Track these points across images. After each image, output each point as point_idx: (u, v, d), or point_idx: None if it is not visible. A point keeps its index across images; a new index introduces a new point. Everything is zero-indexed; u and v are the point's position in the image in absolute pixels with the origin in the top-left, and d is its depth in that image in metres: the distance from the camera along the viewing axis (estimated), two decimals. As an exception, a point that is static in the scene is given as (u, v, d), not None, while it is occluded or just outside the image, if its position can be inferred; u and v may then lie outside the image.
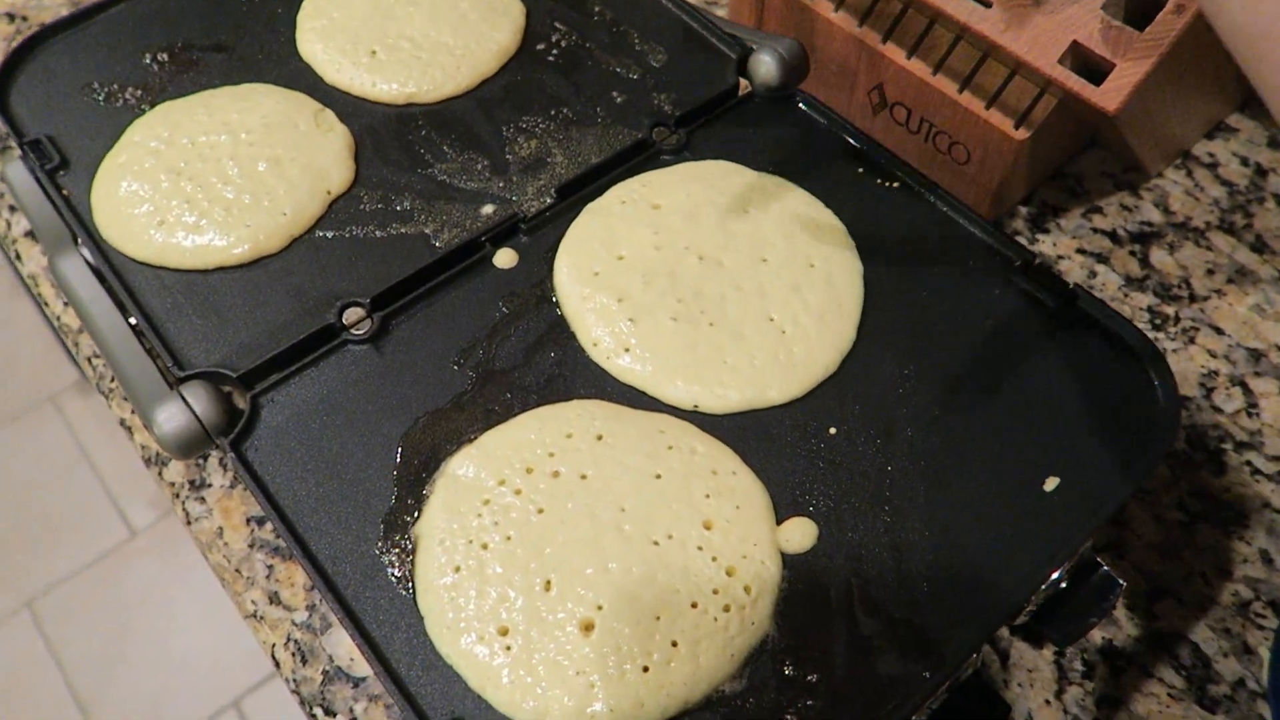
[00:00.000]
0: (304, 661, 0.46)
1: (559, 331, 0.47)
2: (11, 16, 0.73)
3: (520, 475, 0.42)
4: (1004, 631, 0.46)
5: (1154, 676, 0.46)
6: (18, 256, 0.62)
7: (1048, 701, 0.45)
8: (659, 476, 0.41)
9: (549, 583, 0.39)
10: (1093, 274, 0.60)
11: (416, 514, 0.41)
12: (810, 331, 0.46)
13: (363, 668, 0.45)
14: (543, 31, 0.60)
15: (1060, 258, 0.61)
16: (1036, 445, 0.43)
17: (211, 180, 0.51)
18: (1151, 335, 0.56)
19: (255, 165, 0.52)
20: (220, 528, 0.50)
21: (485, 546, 0.40)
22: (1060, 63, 0.51)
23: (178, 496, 0.51)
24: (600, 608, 0.38)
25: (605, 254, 0.49)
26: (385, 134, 0.55)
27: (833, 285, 0.48)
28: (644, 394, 0.45)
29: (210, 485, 0.51)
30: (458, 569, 0.39)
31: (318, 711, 0.45)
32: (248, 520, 0.50)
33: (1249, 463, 0.52)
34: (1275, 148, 0.65)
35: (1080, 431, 0.43)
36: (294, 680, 0.45)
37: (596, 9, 0.60)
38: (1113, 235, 0.61)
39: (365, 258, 0.49)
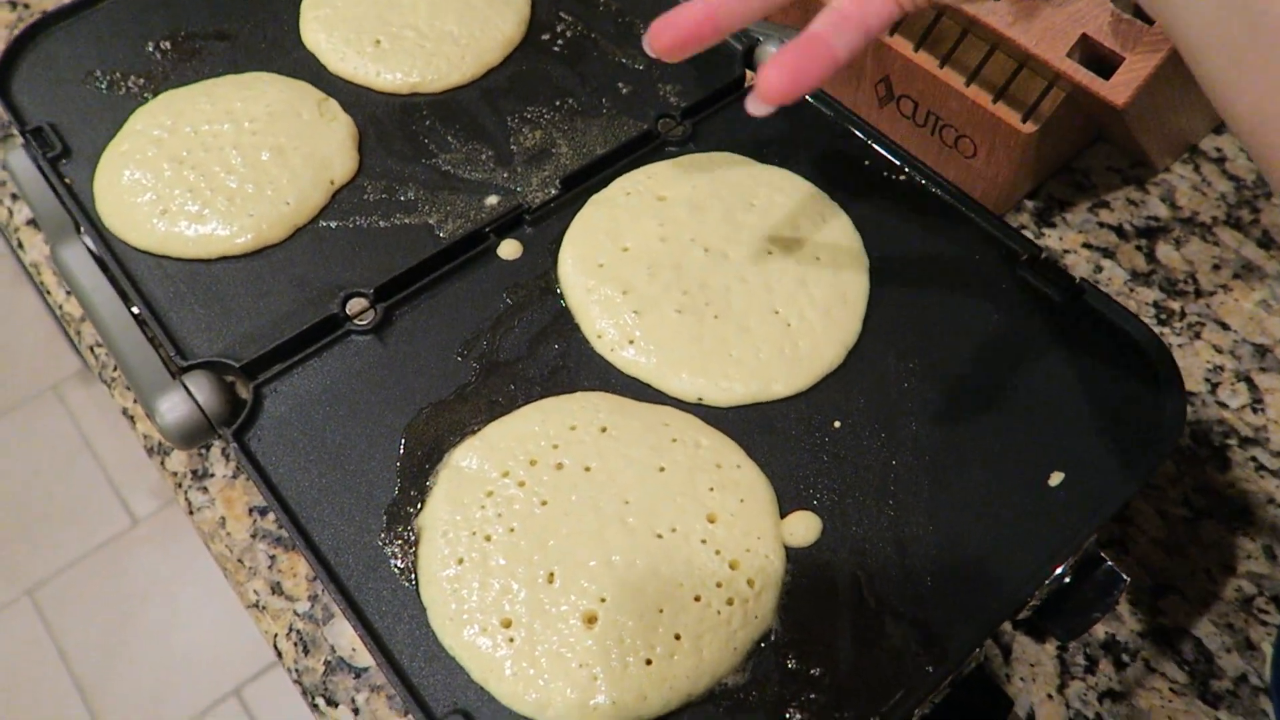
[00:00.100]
0: (306, 652, 0.46)
1: (563, 323, 0.47)
2: (14, 4, 0.73)
3: (524, 467, 0.41)
4: (1007, 626, 0.46)
5: (1157, 671, 0.46)
6: (20, 245, 0.62)
7: (1050, 696, 0.45)
8: (663, 469, 0.41)
9: (552, 575, 0.39)
10: (1099, 269, 0.59)
11: (419, 505, 0.41)
12: (815, 325, 0.46)
13: (365, 658, 0.45)
14: (548, 21, 0.59)
15: (1066, 252, 0.60)
16: (1041, 440, 0.43)
17: (214, 169, 0.51)
18: (1157, 330, 0.56)
19: (258, 154, 0.52)
20: (222, 518, 0.50)
21: (488, 538, 0.40)
22: (1069, 56, 0.51)
23: (180, 486, 0.51)
24: (603, 600, 0.38)
25: (610, 246, 0.48)
26: (389, 124, 0.55)
27: (838, 279, 0.48)
28: (648, 386, 0.45)
29: (213, 475, 0.51)
30: (461, 560, 0.39)
31: (319, 701, 0.45)
32: (250, 510, 0.50)
33: (1254, 458, 0.52)
34: (1283, 143, 0.65)
35: (1085, 426, 0.43)
36: (296, 670, 0.45)
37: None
38: (1119, 230, 0.61)
39: (369, 248, 0.49)
